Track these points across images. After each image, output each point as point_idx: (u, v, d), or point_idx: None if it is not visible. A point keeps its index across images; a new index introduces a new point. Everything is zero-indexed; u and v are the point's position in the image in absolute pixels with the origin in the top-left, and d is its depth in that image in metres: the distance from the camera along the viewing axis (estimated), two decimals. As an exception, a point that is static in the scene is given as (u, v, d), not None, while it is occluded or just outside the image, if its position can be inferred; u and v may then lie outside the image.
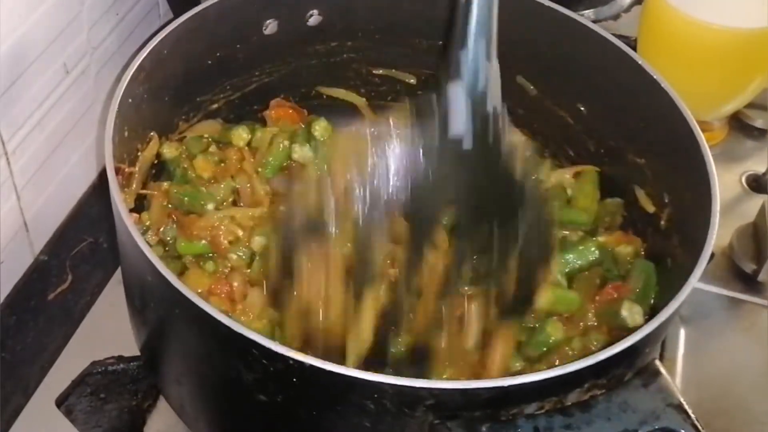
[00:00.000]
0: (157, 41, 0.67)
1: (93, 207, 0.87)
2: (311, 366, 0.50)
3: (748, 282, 0.85)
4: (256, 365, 0.52)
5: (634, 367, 0.53)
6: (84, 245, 0.83)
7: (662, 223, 0.70)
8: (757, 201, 0.90)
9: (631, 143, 0.73)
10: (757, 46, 0.86)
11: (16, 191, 0.76)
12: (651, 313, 0.64)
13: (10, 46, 0.70)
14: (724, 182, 0.95)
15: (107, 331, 0.77)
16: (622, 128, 0.74)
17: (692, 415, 0.52)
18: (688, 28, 0.86)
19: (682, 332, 0.81)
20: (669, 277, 0.66)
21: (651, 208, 0.71)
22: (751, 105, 0.97)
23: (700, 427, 0.51)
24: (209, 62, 0.74)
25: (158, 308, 0.60)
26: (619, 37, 1.05)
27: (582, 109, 0.76)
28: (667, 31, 0.89)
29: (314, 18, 0.77)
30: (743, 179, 0.95)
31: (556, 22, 0.74)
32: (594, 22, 1.05)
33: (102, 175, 0.89)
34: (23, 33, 0.72)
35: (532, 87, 0.78)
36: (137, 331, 0.70)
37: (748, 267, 0.85)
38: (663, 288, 0.67)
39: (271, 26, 0.75)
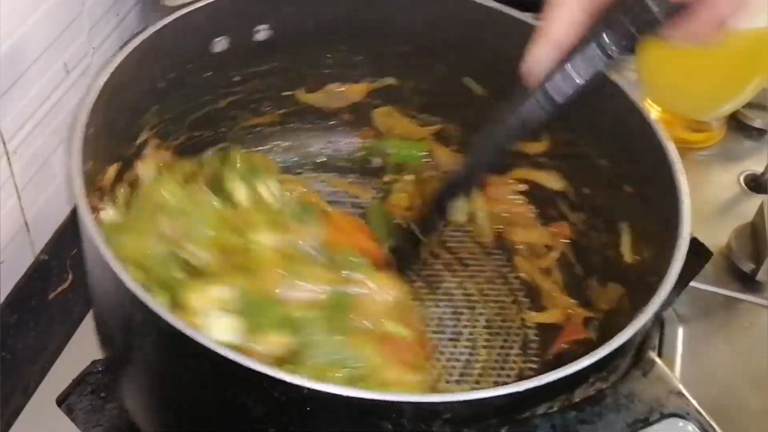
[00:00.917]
0: (115, 65, 0.64)
1: (93, 207, 0.87)
2: (328, 394, 0.49)
3: (747, 282, 0.85)
4: (266, 398, 0.51)
5: (633, 357, 0.55)
6: (84, 245, 0.84)
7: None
8: (755, 201, 0.90)
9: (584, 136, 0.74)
10: (755, 47, 0.86)
11: (16, 191, 0.76)
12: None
13: (10, 46, 0.70)
14: (723, 182, 0.95)
15: (108, 331, 0.77)
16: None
17: (693, 401, 0.54)
18: (687, 29, 0.86)
19: (681, 332, 0.81)
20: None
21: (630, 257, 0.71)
22: (749, 105, 0.98)
23: (702, 412, 0.53)
24: (163, 84, 0.72)
25: (146, 349, 0.58)
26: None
27: None
28: (665, 32, 0.89)
29: (262, 33, 0.75)
30: (741, 179, 0.95)
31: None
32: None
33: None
34: (24, 33, 0.72)
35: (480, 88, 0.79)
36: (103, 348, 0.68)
37: (747, 267, 0.85)
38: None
39: (220, 44, 0.74)
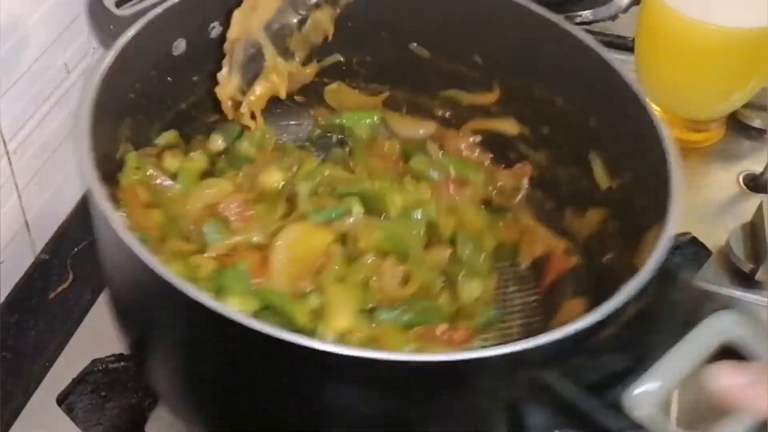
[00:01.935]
0: (94, 88, 0.63)
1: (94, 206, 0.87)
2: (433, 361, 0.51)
3: (746, 281, 0.85)
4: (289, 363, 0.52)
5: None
6: (85, 244, 0.84)
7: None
8: (754, 201, 0.90)
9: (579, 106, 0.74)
10: (754, 46, 0.87)
11: (17, 191, 0.76)
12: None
13: (11, 45, 0.70)
14: (722, 182, 0.95)
15: (108, 330, 0.76)
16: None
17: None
18: (686, 29, 0.86)
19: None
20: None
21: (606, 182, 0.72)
22: (748, 105, 0.98)
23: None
24: (132, 96, 0.71)
25: (149, 304, 0.59)
26: (617, 37, 1.06)
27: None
28: (664, 32, 0.89)
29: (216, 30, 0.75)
30: (740, 179, 0.95)
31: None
32: (591, 22, 1.06)
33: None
34: (24, 33, 0.72)
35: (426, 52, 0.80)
36: (126, 333, 0.68)
37: (746, 266, 0.85)
38: None
39: (179, 46, 0.73)
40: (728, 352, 0.52)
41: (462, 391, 0.53)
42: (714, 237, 0.87)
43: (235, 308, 0.62)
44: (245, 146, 0.78)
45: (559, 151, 0.76)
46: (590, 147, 0.72)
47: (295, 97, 0.83)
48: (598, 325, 0.52)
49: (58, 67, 0.78)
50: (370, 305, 0.68)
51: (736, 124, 1.00)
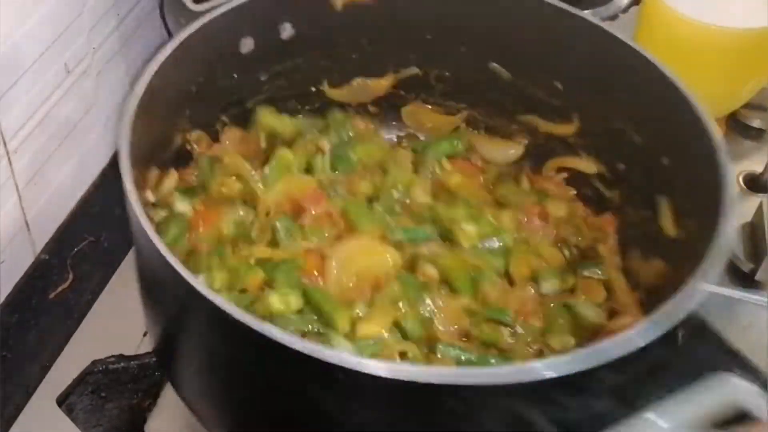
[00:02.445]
0: (149, 76, 0.65)
1: (94, 206, 0.87)
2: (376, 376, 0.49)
3: (746, 281, 0.85)
4: (336, 386, 0.50)
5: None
6: (85, 244, 0.84)
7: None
8: (754, 201, 0.90)
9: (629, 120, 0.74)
10: (754, 47, 0.87)
11: (17, 191, 0.76)
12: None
13: (11, 45, 0.70)
14: (722, 182, 0.95)
15: (108, 330, 0.77)
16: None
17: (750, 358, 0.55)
18: (686, 29, 0.86)
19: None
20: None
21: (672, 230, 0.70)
22: (748, 105, 0.98)
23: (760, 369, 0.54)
24: (193, 89, 0.72)
25: (178, 310, 0.59)
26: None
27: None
28: (664, 32, 0.89)
29: (287, 32, 0.76)
30: (740, 179, 0.95)
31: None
32: (592, 22, 1.06)
33: (103, 175, 0.89)
34: (24, 33, 0.72)
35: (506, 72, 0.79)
36: (151, 326, 0.68)
37: (746, 266, 0.85)
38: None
39: (247, 44, 0.74)
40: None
41: (443, 415, 0.52)
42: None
43: (277, 301, 0.65)
44: (358, 150, 0.78)
45: (632, 191, 0.74)
46: (660, 190, 0.69)
47: (369, 109, 0.83)
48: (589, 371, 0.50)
49: (58, 67, 0.78)
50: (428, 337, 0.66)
51: (735, 123, 1.00)
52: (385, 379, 0.49)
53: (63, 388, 0.72)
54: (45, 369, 0.75)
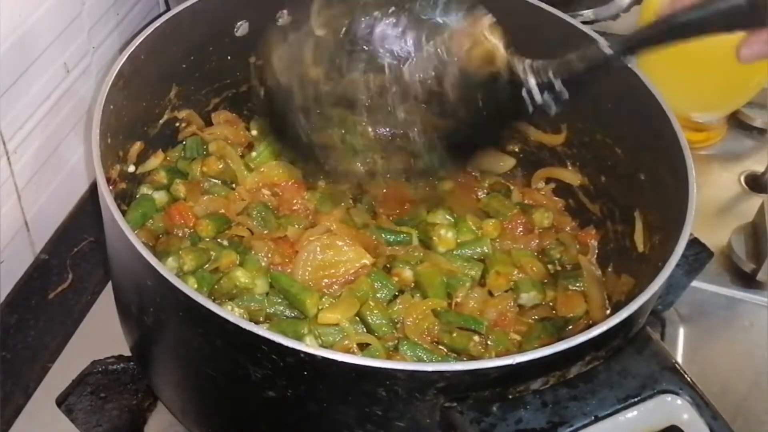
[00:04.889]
0: (134, 46, 0.66)
1: (93, 206, 0.87)
2: (323, 358, 0.50)
3: (747, 281, 0.85)
4: (265, 361, 0.52)
5: (628, 337, 0.55)
6: (84, 244, 0.84)
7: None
8: (756, 200, 0.90)
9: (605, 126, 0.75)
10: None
11: (17, 191, 0.76)
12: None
13: (11, 45, 0.70)
14: (723, 182, 0.95)
15: (108, 331, 0.77)
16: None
17: (687, 376, 0.53)
18: (687, 28, 0.86)
19: (682, 331, 0.81)
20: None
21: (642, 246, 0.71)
22: (749, 104, 0.97)
23: (696, 387, 0.53)
24: (183, 66, 0.74)
25: (156, 311, 0.60)
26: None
27: None
28: (666, 31, 0.89)
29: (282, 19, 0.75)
30: (742, 179, 0.95)
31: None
32: (593, 22, 1.06)
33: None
34: (24, 33, 0.72)
35: None
36: (129, 333, 0.69)
37: (747, 266, 0.85)
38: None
39: (242, 28, 0.75)
40: None
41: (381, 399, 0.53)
42: (715, 237, 0.86)
43: (243, 280, 0.68)
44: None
45: (613, 205, 0.75)
46: (636, 205, 0.71)
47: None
48: (544, 360, 0.51)
49: (58, 67, 0.78)
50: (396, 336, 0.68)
51: (737, 123, 1.00)
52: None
53: (63, 389, 0.72)
54: (45, 369, 0.75)
